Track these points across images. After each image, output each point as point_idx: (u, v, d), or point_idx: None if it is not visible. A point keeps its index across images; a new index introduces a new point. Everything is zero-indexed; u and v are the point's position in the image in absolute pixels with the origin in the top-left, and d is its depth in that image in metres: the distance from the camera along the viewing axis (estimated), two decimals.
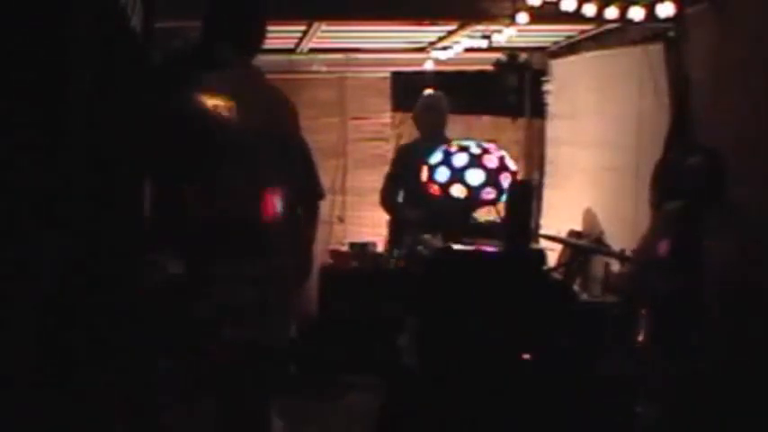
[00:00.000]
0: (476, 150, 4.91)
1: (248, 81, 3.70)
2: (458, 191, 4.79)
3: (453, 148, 4.96)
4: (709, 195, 4.44)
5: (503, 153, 5.05)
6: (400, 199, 6.37)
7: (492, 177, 4.80)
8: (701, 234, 4.38)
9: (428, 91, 6.57)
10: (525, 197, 4.53)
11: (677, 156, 5.00)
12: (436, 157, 4.97)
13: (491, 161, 4.86)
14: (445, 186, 4.83)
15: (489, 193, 4.79)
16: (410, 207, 6.09)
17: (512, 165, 5.02)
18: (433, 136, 6.10)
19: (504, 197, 4.75)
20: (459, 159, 4.84)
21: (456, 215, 4.85)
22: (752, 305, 4.36)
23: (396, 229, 6.43)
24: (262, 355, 3.74)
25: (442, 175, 4.84)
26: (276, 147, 3.76)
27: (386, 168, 7.93)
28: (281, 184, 3.78)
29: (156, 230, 3.72)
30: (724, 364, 4.23)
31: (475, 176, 4.79)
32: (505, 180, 4.83)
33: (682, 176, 4.63)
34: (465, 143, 5.04)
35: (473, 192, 4.78)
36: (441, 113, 6.35)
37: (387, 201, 6.44)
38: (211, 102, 3.58)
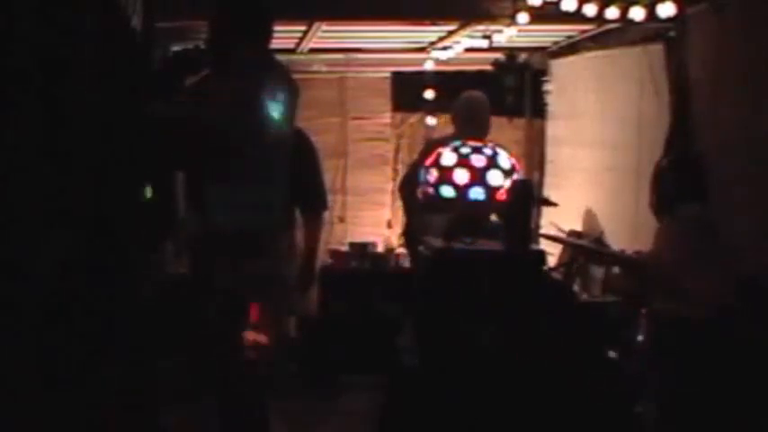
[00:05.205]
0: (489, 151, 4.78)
1: (264, 81, 3.71)
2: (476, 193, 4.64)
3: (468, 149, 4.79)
4: (684, 198, 4.45)
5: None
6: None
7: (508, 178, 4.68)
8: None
9: (470, 92, 6.11)
10: (525, 197, 4.52)
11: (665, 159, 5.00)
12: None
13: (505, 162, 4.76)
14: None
15: (502, 195, 4.67)
16: (431, 209, 5.81)
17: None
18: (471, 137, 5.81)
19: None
20: (478, 160, 4.69)
21: (481, 218, 4.69)
22: (749, 306, 4.37)
23: (412, 234, 6.11)
24: (261, 355, 3.75)
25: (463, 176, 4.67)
26: (284, 149, 3.78)
27: (386, 168, 7.95)
28: (284, 185, 3.80)
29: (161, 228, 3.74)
30: (724, 363, 4.24)
31: (496, 177, 4.64)
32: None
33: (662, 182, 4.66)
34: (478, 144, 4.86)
35: (491, 193, 4.65)
36: (484, 116, 5.92)
37: (405, 190, 6.10)
38: (223, 103, 3.60)
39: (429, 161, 4.75)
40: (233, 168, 3.63)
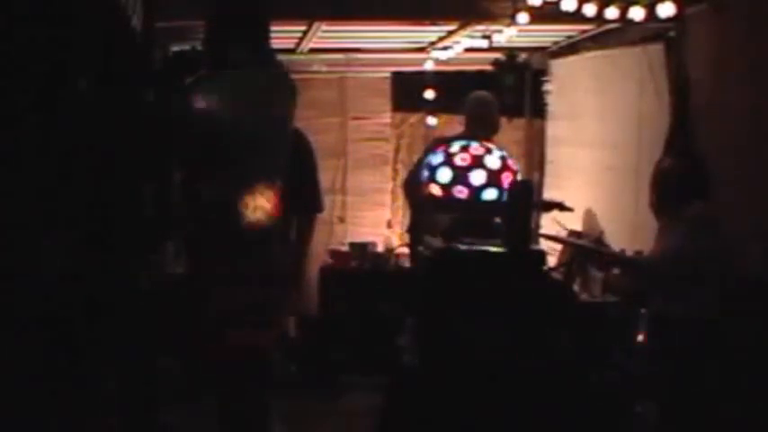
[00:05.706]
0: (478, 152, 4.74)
1: (261, 80, 3.71)
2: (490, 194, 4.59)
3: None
4: (686, 198, 4.47)
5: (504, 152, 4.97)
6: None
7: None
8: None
9: (479, 92, 6.21)
10: (525, 197, 4.52)
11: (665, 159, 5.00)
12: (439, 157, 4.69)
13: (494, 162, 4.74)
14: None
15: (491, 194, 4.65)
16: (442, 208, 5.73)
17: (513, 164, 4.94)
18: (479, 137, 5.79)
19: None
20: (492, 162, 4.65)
21: (487, 219, 4.65)
22: (749, 306, 4.37)
23: (418, 232, 6.10)
24: (261, 355, 3.75)
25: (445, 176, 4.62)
26: (283, 148, 3.78)
27: (386, 168, 7.94)
28: (281, 184, 3.79)
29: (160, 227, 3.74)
30: (724, 363, 4.24)
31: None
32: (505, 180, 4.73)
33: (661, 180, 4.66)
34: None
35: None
36: (493, 117, 6.02)
37: (409, 187, 6.11)
38: (223, 103, 3.60)
39: (462, 162, 4.56)
40: (231, 168, 3.62)
